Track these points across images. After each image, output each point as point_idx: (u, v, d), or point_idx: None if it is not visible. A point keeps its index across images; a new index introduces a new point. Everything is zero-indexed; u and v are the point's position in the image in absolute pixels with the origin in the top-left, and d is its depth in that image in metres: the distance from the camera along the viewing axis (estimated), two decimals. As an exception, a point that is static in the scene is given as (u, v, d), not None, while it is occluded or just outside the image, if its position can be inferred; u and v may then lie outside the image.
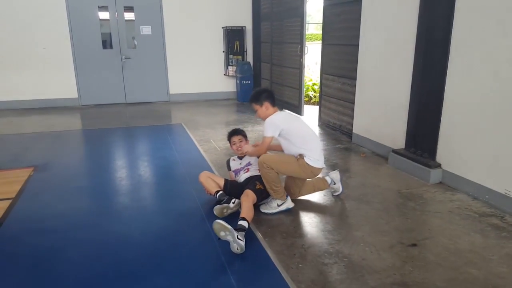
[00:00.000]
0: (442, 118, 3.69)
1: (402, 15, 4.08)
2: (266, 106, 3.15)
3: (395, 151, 4.21)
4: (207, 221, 2.96)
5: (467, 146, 3.45)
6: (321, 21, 6.42)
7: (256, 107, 3.18)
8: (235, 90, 8.67)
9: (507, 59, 2.99)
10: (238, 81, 8.31)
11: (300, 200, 3.37)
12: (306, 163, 3.05)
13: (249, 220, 2.73)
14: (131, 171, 4.24)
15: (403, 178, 3.89)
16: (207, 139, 5.40)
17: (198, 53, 8.39)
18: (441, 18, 3.57)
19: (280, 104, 7.47)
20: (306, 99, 8.03)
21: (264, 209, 3.14)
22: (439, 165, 3.75)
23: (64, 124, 6.51)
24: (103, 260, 2.49)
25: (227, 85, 8.76)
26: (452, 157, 3.63)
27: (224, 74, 8.65)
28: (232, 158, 3.60)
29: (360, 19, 4.79)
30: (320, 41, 6.17)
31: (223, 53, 8.55)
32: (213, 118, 6.84)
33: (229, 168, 3.56)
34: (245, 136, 3.53)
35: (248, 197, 2.91)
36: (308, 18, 6.53)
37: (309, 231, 2.87)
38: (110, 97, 8.20)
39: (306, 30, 6.66)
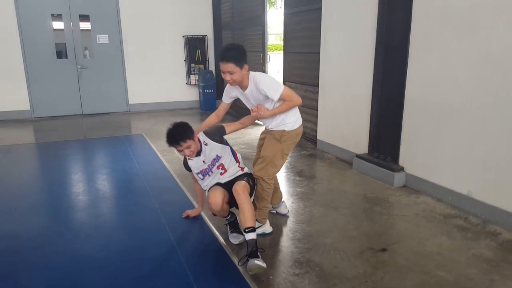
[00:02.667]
0: (403, 122, 3.75)
1: (361, 22, 4.14)
2: (246, 69, 2.49)
3: (359, 156, 4.24)
4: (171, 235, 2.80)
5: (428, 148, 3.52)
6: (281, 32, 6.46)
7: (234, 68, 2.39)
8: (197, 99, 8.53)
9: (463, 63, 3.08)
10: (200, 90, 8.19)
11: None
12: (294, 129, 2.72)
13: (255, 224, 2.40)
14: (88, 185, 3.98)
15: (368, 182, 3.91)
16: (170, 149, 5.12)
17: (159, 62, 8.19)
18: (399, 24, 3.64)
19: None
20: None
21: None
22: (402, 169, 3.80)
23: (15, 137, 6.08)
24: (57, 285, 2.27)
25: (190, 94, 8.60)
26: (414, 160, 3.69)
27: (186, 83, 8.49)
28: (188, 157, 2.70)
29: (320, 27, 4.84)
30: (280, 51, 6.20)
31: (184, 62, 8.40)
32: (175, 128, 6.63)
33: (188, 169, 2.74)
34: (189, 137, 2.49)
35: (245, 194, 2.42)
36: (267, 29, 6.57)
37: (278, 241, 2.78)
38: (65, 108, 7.79)
39: (267, 40, 6.69)
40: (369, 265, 2.43)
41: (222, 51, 2.47)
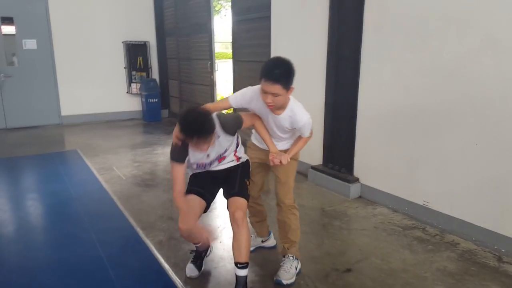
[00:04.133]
0: (356, 132, 3.69)
1: (312, 32, 4.04)
2: (291, 92, 2.12)
3: (314, 168, 4.13)
4: (112, 274, 2.41)
5: (382, 159, 3.47)
6: (226, 40, 6.25)
7: (280, 91, 2.02)
8: (140, 109, 8.02)
9: (416, 73, 3.07)
10: (143, 100, 7.71)
11: (221, 236, 3.01)
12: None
13: (249, 260, 2.06)
14: (9, 214, 3.42)
15: (325, 194, 3.79)
16: (109, 166, 4.73)
17: (96, 69, 7.58)
18: (350, 35, 3.59)
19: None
20: (218, 116, 7.75)
21: (285, 278, 2.29)
22: (357, 180, 3.73)
23: None
24: None
25: (131, 104, 8.06)
26: (369, 171, 3.64)
27: (127, 92, 7.96)
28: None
29: (270, 36, 4.68)
30: (227, 60, 5.99)
31: (124, 69, 7.87)
32: (115, 141, 6.12)
33: (176, 158, 2.06)
34: (211, 131, 1.90)
35: (244, 223, 2.02)
36: (214, 37, 6.35)
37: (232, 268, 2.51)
38: (-15, 122, 6.92)
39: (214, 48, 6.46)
40: (336, 290, 2.25)
41: (270, 67, 2.04)
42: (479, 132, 2.68)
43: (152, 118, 7.66)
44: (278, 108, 2.15)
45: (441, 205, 3.01)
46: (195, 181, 2.26)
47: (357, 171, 3.75)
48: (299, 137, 2.32)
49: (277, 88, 2.00)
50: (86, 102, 7.61)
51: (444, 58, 2.84)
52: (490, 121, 2.61)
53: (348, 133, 3.75)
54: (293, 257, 2.39)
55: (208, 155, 2.11)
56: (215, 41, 6.52)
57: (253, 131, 2.46)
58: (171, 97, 8.15)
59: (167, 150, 5.44)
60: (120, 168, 4.66)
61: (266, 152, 2.32)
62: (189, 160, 2.09)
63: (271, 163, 2.22)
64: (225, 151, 2.19)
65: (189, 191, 2.19)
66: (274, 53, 4.66)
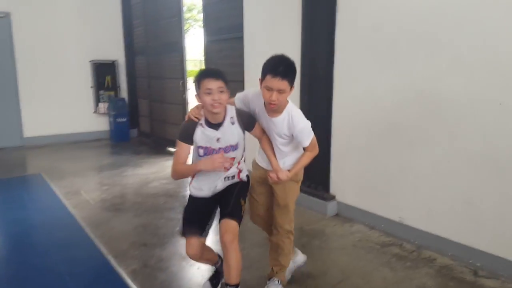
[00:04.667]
0: (331, 150, 3.72)
1: (284, 52, 4.04)
2: (292, 92, 2.10)
3: (290, 186, 4.10)
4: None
5: (357, 176, 3.51)
6: (198, 58, 6.23)
7: (287, 87, 2.01)
8: (108, 129, 7.78)
9: (386, 91, 3.15)
10: (111, 119, 7.49)
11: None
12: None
13: (239, 281, 2.07)
14: (-33, 245, 3.17)
15: (302, 213, 3.75)
16: (76, 190, 4.50)
17: (61, 88, 7.32)
18: (323, 56, 3.64)
19: (165, 142, 6.95)
20: (190, 135, 7.65)
21: None
22: (333, 197, 3.75)
23: None
24: None
25: (98, 124, 7.81)
26: (345, 188, 3.66)
27: (94, 112, 7.72)
28: (198, 121, 2.08)
29: (243, 56, 4.70)
30: None
31: (91, 88, 7.65)
32: (82, 163, 5.86)
33: (189, 140, 2.08)
34: (226, 80, 2.07)
35: (233, 246, 2.03)
36: (186, 55, 6.32)
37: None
38: None
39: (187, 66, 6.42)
40: (320, 314, 2.20)
41: (276, 63, 2.04)
42: (451, 148, 2.76)
43: (120, 138, 7.45)
44: (276, 110, 2.10)
45: (417, 221, 3.05)
46: (188, 219, 2.20)
47: (333, 188, 3.76)
48: (303, 154, 2.24)
49: (284, 84, 1.98)
50: (50, 122, 7.29)
51: (414, 77, 2.93)
52: (460, 138, 2.70)
53: (323, 150, 3.73)
54: (278, 281, 2.33)
55: (218, 139, 2.08)
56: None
57: (257, 151, 2.38)
58: (140, 116, 7.98)
59: (138, 171, 5.36)
60: (88, 192, 4.44)
61: (268, 171, 2.27)
62: (196, 143, 2.08)
63: (270, 180, 2.16)
64: (235, 148, 2.15)
65: (188, 232, 2.16)
66: (247, 73, 4.68)
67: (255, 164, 2.43)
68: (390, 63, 3.10)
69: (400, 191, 3.16)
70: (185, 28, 6.90)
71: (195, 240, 2.12)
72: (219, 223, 2.13)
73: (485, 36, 2.48)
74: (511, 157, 2.45)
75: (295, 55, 3.85)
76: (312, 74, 3.75)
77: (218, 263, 2.39)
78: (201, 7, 5.58)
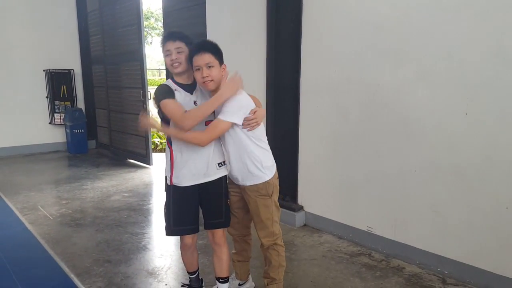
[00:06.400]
0: (299, 160, 3.75)
1: (249, 66, 4.04)
2: (224, 69, 2.09)
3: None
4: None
5: (325, 186, 3.55)
6: (156, 67, 6.12)
7: (213, 60, 1.99)
8: (64, 140, 7.43)
9: (353, 103, 3.21)
10: (68, 130, 7.16)
11: (163, 279, 2.80)
12: (274, 173, 2.26)
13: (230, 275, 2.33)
14: None
15: (271, 225, 3.75)
16: (33, 205, 4.23)
17: (14, 99, 6.93)
18: (288, 67, 3.66)
19: (125, 154, 6.72)
20: (153, 146, 7.47)
21: None
22: (301, 208, 3.77)
23: None
24: None
25: (54, 135, 7.44)
26: (313, 198, 3.69)
27: (50, 123, 7.34)
28: (173, 87, 2.08)
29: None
30: (155, 86, 5.83)
31: (46, 98, 7.28)
32: (38, 177, 5.54)
33: (173, 96, 2.06)
34: (188, 43, 2.07)
35: (225, 244, 2.26)
36: (146, 64, 6.17)
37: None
38: None
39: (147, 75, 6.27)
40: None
41: (196, 44, 2.05)
42: (417, 158, 2.84)
43: (77, 150, 7.15)
44: (215, 86, 2.04)
45: (385, 230, 3.12)
46: (180, 216, 2.18)
47: (301, 199, 3.79)
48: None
49: (208, 57, 1.98)
50: (3, 134, 6.87)
51: (380, 88, 3.00)
52: (426, 148, 2.78)
53: (291, 161, 3.78)
54: None
55: (195, 102, 2.09)
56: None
57: (227, 162, 2.25)
58: (98, 127, 7.68)
59: (97, 184, 5.15)
60: (46, 207, 4.20)
61: (240, 186, 2.24)
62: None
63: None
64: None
65: (180, 232, 2.22)
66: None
67: (229, 180, 2.34)
68: (356, 75, 3.16)
69: (367, 201, 3.22)
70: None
71: (189, 238, 2.23)
72: (205, 228, 2.25)
73: (449, 48, 2.58)
74: (476, 166, 2.54)
75: (260, 65, 3.88)
76: (278, 85, 3.76)
77: (195, 273, 2.41)
78: (158, 15, 5.49)
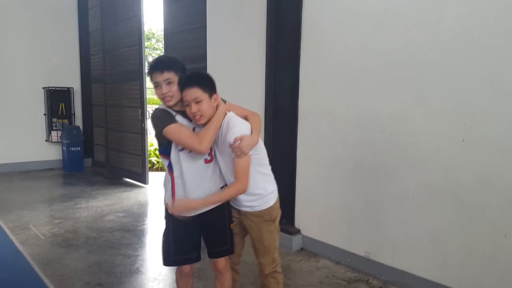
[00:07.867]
0: (296, 184, 3.72)
1: (249, 86, 4.09)
2: (216, 100, 1.99)
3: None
4: None
5: (323, 210, 3.51)
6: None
7: (201, 94, 1.89)
8: (60, 158, 7.38)
9: (350, 127, 3.23)
10: (64, 148, 7.13)
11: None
12: (277, 198, 2.21)
13: None
14: None
15: (267, 249, 3.69)
16: (25, 224, 4.16)
17: (11, 115, 6.92)
18: (287, 89, 3.70)
19: (122, 173, 6.67)
20: (150, 165, 7.43)
21: None
22: (298, 231, 3.72)
23: None
24: None
25: (50, 153, 7.40)
26: (310, 222, 3.65)
27: (46, 140, 7.32)
28: (173, 112, 1.98)
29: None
30: (154, 105, 5.85)
31: (44, 116, 7.28)
32: (32, 195, 5.47)
33: (174, 121, 1.96)
34: (178, 70, 1.95)
35: (228, 271, 2.19)
36: (146, 84, 6.23)
37: None
38: None
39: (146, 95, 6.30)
40: None
41: (184, 79, 1.93)
42: (415, 184, 2.83)
43: (73, 168, 7.09)
44: (206, 120, 1.95)
45: (383, 256, 3.07)
46: (182, 244, 2.09)
47: (298, 222, 3.74)
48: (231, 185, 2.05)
49: (195, 91, 1.87)
50: (-1, 150, 6.84)
51: (378, 114, 3.02)
52: (424, 174, 2.78)
53: (288, 184, 3.75)
54: None
55: (194, 129, 1.97)
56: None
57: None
58: (95, 145, 7.65)
59: (92, 203, 5.09)
60: (38, 226, 4.12)
61: (240, 211, 2.16)
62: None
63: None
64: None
65: (182, 261, 2.13)
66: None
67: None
68: (354, 100, 3.18)
69: (365, 226, 3.19)
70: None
71: (188, 266, 2.14)
72: (209, 257, 2.17)
73: (447, 76, 2.62)
74: (474, 193, 2.53)
75: (259, 88, 3.91)
76: (277, 108, 3.78)
77: None
78: (160, 36, 5.56)
